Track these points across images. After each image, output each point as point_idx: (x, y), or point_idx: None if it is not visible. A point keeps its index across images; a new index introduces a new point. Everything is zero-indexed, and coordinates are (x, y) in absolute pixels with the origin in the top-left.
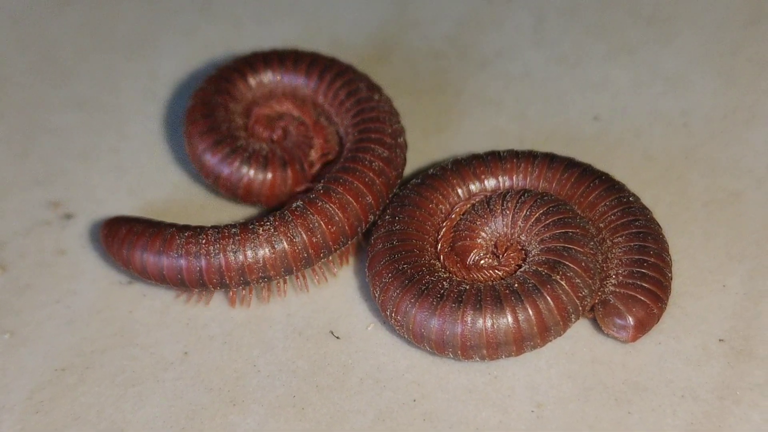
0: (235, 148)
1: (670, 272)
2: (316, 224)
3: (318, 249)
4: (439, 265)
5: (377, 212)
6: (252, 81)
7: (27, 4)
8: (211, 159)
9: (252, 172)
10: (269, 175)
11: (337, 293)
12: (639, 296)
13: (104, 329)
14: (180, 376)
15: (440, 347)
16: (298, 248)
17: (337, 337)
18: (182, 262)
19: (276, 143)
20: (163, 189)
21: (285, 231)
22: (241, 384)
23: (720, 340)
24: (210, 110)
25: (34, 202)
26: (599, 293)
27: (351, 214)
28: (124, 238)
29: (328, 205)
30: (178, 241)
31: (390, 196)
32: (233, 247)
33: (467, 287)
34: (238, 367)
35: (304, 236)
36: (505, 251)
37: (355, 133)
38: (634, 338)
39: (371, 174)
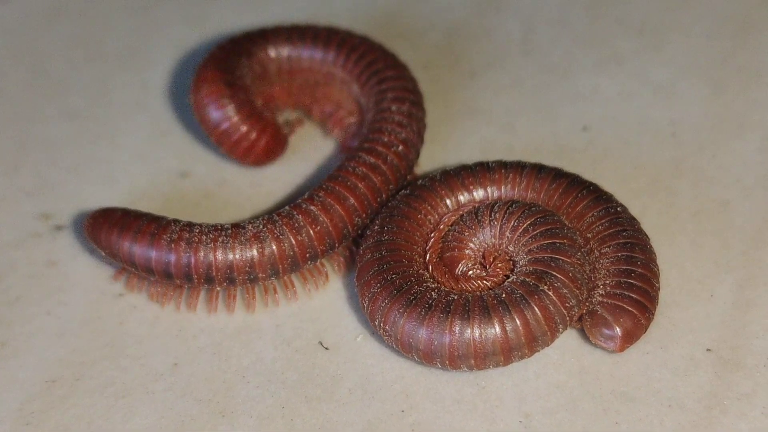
0: (236, 92)
1: (658, 282)
2: (301, 223)
3: (303, 248)
4: (428, 275)
5: (365, 215)
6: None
7: (18, 16)
8: (210, 90)
9: (237, 117)
10: (250, 131)
11: (326, 304)
12: (626, 306)
13: (94, 341)
14: (170, 387)
15: (428, 357)
16: (284, 246)
17: (326, 348)
18: (173, 249)
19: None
20: (154, 200)
21: (272, 229)
22: (230, 395)
23: (707, 350)
24: (234, 59)
25: (25, 213)
26: (587, 303)
27: (334, 215)
28: (117, 220)
29: (311, 207)
30: (173, 228)
31: (379, 200)
32: (224, 239)
33: (455, 297)
34: (228, 378)
35: (289, 234)
36: (493, 261)
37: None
38: (622, 348)
39: (353, 179)
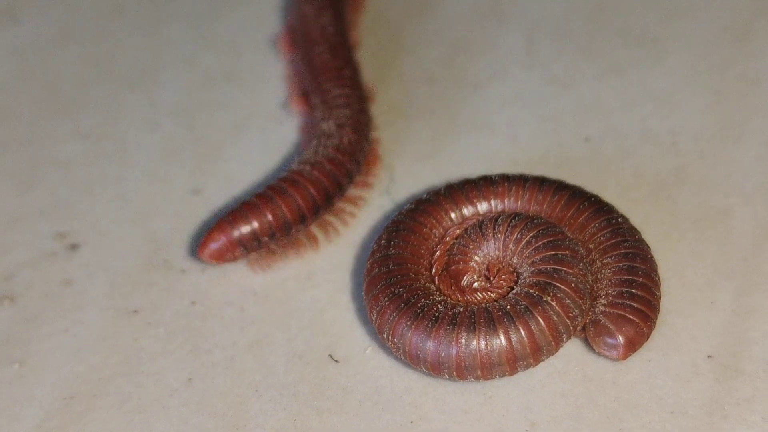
0: None
1: (659, 291)
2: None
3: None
4: (434, 288)
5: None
6: None
7: (29, 37)
8: None
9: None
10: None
11: (336, 317)
12: (628, 315)
13: (110, 358)
14: (185, 403)
15: (436, 369)
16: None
17: (337, 361)
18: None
19: None
20: (166, 218)
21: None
22: (243, 409)
23: (708, 357)
24: None
25: (41, 233)
26: (590, 313)
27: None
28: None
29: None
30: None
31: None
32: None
33: (461, 309)
34: (241, 392)
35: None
36: (497, 273)
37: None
38: (625, 356)
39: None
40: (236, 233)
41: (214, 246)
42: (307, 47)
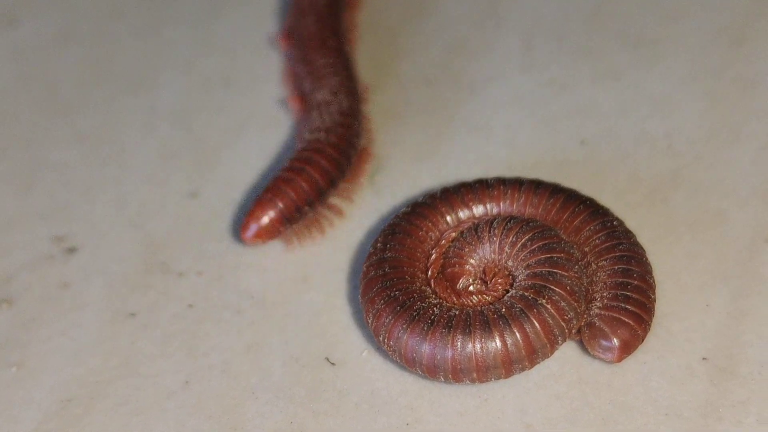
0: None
1: (654, 294)
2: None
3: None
4: (430, 291)
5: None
6: None
7: (29, 40)
8: None
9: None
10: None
11: (332, 320)
12: (623, 318)
13: (108, 360)
14: (182, 405)
15: (432, 371)
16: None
17: (333, 364)
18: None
19: None
20: (164, 221)
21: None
22: (240, 411)
23: (703, 359)
24: None
25: (39, 236)
26: (585, 316)
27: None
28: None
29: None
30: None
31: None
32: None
33: (457, 312)
34: (237, 395)
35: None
36: (493, 277)
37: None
38: (620, 359)
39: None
40: (277, 208)
41: (257, 225)
42: (297, 18)
